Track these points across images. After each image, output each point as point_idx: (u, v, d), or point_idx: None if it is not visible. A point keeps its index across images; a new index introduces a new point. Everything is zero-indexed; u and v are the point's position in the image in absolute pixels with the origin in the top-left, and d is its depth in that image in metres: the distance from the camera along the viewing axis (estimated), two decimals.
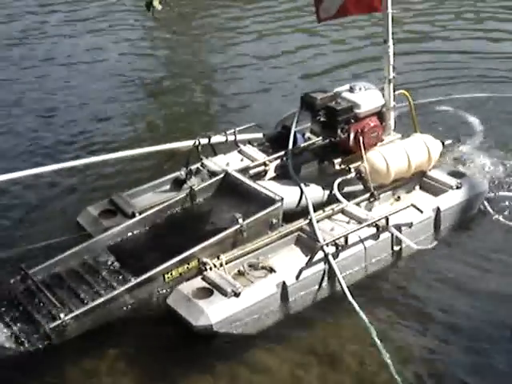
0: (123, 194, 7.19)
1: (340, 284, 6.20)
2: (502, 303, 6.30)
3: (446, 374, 5.68)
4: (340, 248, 6.41)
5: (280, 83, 10.81)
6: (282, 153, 7.34)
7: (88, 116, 10.20)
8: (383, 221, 6.61)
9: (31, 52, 12.82)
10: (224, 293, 5.91)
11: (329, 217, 6.80)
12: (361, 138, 6.96)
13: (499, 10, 13.15)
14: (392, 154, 7.05)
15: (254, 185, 6.83)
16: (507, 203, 7.41)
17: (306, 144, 7.39)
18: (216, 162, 7.42)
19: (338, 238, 6.39)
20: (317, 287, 6.35)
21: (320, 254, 6.28)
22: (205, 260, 6.17)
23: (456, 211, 7.17)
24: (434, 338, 6.01)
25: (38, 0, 15.52)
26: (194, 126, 9.66)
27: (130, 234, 6.64)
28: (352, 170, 7.05)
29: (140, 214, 6.79)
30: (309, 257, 6.25)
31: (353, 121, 6.98)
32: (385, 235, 6.66)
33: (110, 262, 6.35)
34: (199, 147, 7.50)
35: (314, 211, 6.68)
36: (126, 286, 5.95)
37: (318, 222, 6.58)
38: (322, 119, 7.04)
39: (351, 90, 7.13)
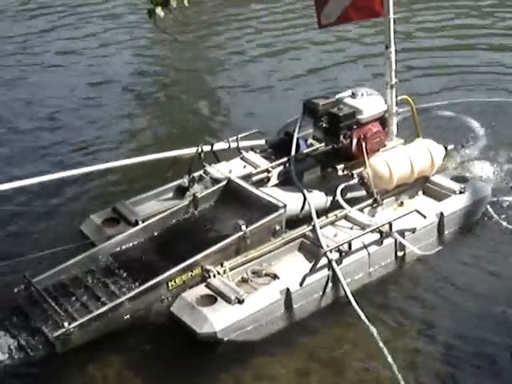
0: (126, 202, 7.19)
1: (344, 290, 6.20)
2: (508, 307, 6.29)
3: (450, 379, 5.66)
4: (344, 254, 6.41)
5: (282, 89, 10.80)
6: (285, 159, 7.36)
7: (89, 123, 10.19)
8: (386, 226, 6.60)
9: (29, 56, 12.83)
10: (228, 300, 5.90)
11: (332, 223, 6.79)
12: (363, 144, 6.95)
13: (502, 13, 13.13)
14: (395, 159, 7.05)
15: (256, 191, 6.83)
16: (510, 207, 7.40)
17: (308, 150, 7.41)
18: (219, 169, 7.43)
19: (342, 244, 6.38)
20: (321, 293, 6.35)
21: (324, 261, 6.27)
22: (208, 267, 6.17)
23: (459, 216, 7.16)
24: (439, 343, 5.99)
25: (35, 3, 15.53)
26: (196, 133, 9.64)
27: (133, 242, 6.65)
28: (355, 175, 7.06)
29: (143, 221, 6.79)
30: (312, 263, 6.25)
31: (355, 126, 6.97)
32: (388, 241, 6.66)
33: (113, 270, 6.35)
34: (202, 154, 7.51)
35: (317, 217, 6.67)
36: (130, 294, 5.95)
37: (321, 228, 6.58)
38: (324, 125, 7.03)
39: (353, 95, 7.13)
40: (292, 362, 5.86)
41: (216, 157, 7.71)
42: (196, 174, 7.36)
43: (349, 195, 7.10)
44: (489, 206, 7.36)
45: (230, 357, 5.88)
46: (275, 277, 6.27)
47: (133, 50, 12.97)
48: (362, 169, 7.04)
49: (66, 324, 5.67)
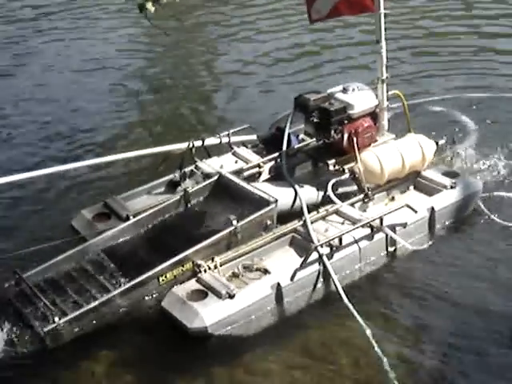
0: (117, 197, 7.20)
1: (335, 285, 6.21)
2: (499, 300, 6.31)
3: (441, 374, 5.67)
4: (334, 249, 6.42)
5: (273, 84, 10.80)
6: (276, 154, 7.36)
7: (80, 118, 10.18)
8: (377, 221, 6.62)
9: (23, 51, 12.80)
10: (218, 295, 5.91)
11: (323, 218, 6.80)
12: (354, 139, 6.95)
13: (492, 6, 13.14)
14: (386, 154, 7.06)
15: (248, 186, 6.83)
16: (501, 203, 7.42)
17: (300, 145, 7.41)
18: (210, 164, 7.41)
19: (333, 239, 6.39)
20: (311, 288, 6.36)
21: (314, 255, 6.28)
22: (199, 262, 6.17)
23: (450, 211, 7.18)
24: (431, 338, 6.00)
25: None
26: (187, 128, 9.65)
27: (124, 236, 6.64)
28: (346, 170, 7.06)
29: (134, 216, 6.79)
30: (303, 258, 6.25)
31: (346, 122, 6.97)
32: (379, 236, 6.67)
33: (104, 265, 6.35)
34: (193, 149, 7.50)
35: (309, 212, 6.68)
36: (121, 289, 5.95)
37: (312, 223, 6.59)
38: (315, 120, 7.03)
39: (344, 90, 7.12)
40: (283, 356, 5.87)
41: (207, 152, 7.71)
42: (187, 169, 7.36)
43: (340, 190, 7.11)
44: (480, 201, 7.37)
45: (221, 351, 5.89)
46: (266, 271, 6.27)
47: (124, 44, 12.95)
48: (353, 164, 7.05)
49: (56, 319, 5.67)
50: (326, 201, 6.95)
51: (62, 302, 5.96)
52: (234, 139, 7.86)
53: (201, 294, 5.97)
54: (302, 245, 6.47)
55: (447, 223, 7.18)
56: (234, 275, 6.26)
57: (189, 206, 6.91)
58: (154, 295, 6.09)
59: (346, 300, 6.07)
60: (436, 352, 5.86)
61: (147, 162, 8.20)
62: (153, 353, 5.92)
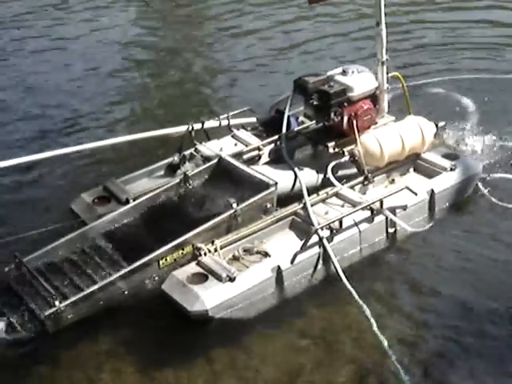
0: (117, 181, 7.19)
1: (335, 267, 6.20)
2: (499, 282, 6.32)
3: (440, 354, 5.68)
4: (334, 231, 6.41)
5: (273, 67, 10.76)
6: (276, 137, 7.34)
7: (80, 102, 10.12)
8: (377, 204, 6.61)
9: (20, 36, 12.72)
10: (219, 278, 5.91)
11: (323, 200, 6.79)
12: (354, 121, 6.93)
13: None
14: (386, 136, 7.04)
15: (247, 169, 6.82)
16: (501, 184, 7.41)
17: (299, 128, 7.41)
18: (210, 147, 7.40)
19: (333, 222, 6.39)
20: (312, 271, 6.36)
21: (315, 238, 6.28)
22: (199, 245, 6.17)
23: (450, 193, 7.17)
24: (431, 320, 6.02)
25: None
26: (187, 111, 9.61)
27: (124, 220, 6.63)
28: (346, 153, 7.04)
29: (134, 200, 6.79)
30: (303, 241, 6.25)
31: (346, 104, 6.94)
32: (379, 218, 6.66)
33: (104, 249, 6.35)
34: (192, 132, 7.47)
35: (309, 195, 6.68)
36: (121, 273, 5.95)
37: (312, 205, 6.58)
38: (315, 103, 6.99)
39: (344, 72, 7.09)
40: (283, 340, 5.88)
41: (207, 135, 7.68)
42: (187, 153, 7.33)
43: (340, 173, 7.10)
44: (479, 183, 7.37)
45: (222, 334, 5.90)
46: (266, 254, 6.28)
47: (120, 29, 12.84)
48: (352, 146, 7.03)
49: (57, 303, 5.67)
50: (326, 183, 6.94)
51: (62, 285, 5.96)
52: (233, 122, 7.84)
53: (201, 277, 5.96)
54: (302, 228, 6.47)
55: (447, 205, 7.18)
56: (235, 258, 6.27)
57: (188, 189, 6.90)
58: (155, 279, 6.09)
59: (346, 282, 6.07)
60: (436, 333, 5.88)
61: (146, 145, 8.17)
62: (153, 336, 5.93)
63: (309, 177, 6.97)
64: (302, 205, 6.62)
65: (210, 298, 5.80)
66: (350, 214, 6.49)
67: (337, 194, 6.84)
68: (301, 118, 7.51)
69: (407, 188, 6.80)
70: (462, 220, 7.22)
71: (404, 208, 6.76)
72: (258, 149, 7.34)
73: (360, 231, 6.57)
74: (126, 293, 6.00)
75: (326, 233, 6.34)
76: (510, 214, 7.04)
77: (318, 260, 6.35)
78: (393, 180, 7.23)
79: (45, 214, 7.38)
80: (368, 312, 5.81)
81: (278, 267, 6.14)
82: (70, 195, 7.34)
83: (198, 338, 5.87)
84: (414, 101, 7.95)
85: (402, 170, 7.35)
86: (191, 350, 5.78)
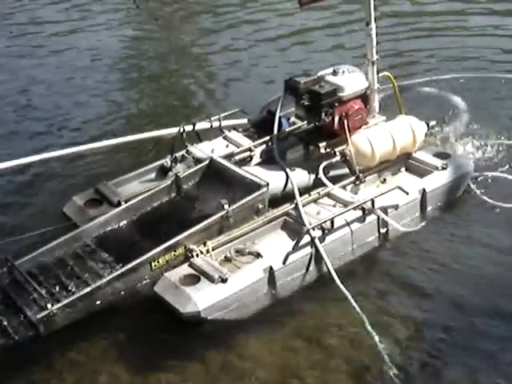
0: (108, 183, 7.18)
1: (327, 267, 6.20)
2: (491, 281, 6.32)
3: (433, 353, 5.68)
4: (326, 231, 6.41)
5: (264, 68, 10.78)
6: (268, 138, 7.34)
7: (71, 104, 10.14)
8: (369, 203, 6.61)
9: (14, 37, 12.74)
10: (211, 279, 5.90)
11: (315, 201, 6.80)
12: (345, 121, 6.94)
13: None
14: (377, 136, 7.05)
15: (239, 170, 6.81)
16: (493, 183, 7.43)
17: (291, 129, 7.40)
18: (201, 149, 7.41)
19: (324, 222, 6.39)
20: (304, 271, 6.36)
21: (306, 238, 6.27)
22: (191, 247, 6.16)
23: (442, 192, 7.18)
24: (423, 319, 6.01)
25: None
26: (178, 112, 9.62)
27: (116, 222, 6.62)
28: (337, 153, 7.06)
29: (126, 202, 6.77)
30: (295, 241, 6.25)
31: (337, 104, 6.95)
32: (371, 218, 6.66)
33: (96, 251, 6.33)
34: (184, 134, 7.48)
35: (300, 195, 6.68)
36: (113, 275, 5.93)
37: (303, 206, 6.58)
38: (306, 103, 7.00)
39: (335, 73, 7.10)
40: (276, 341, 5.87)
41: (198, 136, 7.70)
42: (178, 154, 7.33)
43: (331, 173, 7.10)
44: (471, 182, 7.38)
45: (214, 336, 5.89)
46: (258, 255, 6.28)
47: (113, 31, 12.87)
48: (344, 146, 7.04)
49: (49, 306, 5.64)
50: (318, 184, 6.94)
51: (54, 288, 5.94)
52: (224, 123, 7.84)
53: (193, 279, 5.96)
54: (294, 228, 6.47)
55: (439, 204, 7.18)
56: (227, 259, 6.26)
57: (180, 190, 6.90)
58: (147, 280, 6.08)
59: (338, 282, 6.07)
60: (430, 332, 5.88)
61: (138, 147, 8.17)
62: (146, 338, 5.92)
63: (300, 177, 6.98)
64: (293, 205, 6.62)
65: (202, 300, 5.79)
66: (341, 213, 6.49)
67: (328, 194, 6.84)
68: (292, 119, 7.51)
69: (399, 187, 6.80)
70: (453, 219, 7.21)
71: (396, 207, 6.77)
72: (250, 150, 7.34)
73: (352, 231, 6.56)
74: (118, 295, 5.98)
75: (317, 233, 6.34)
76: (502, 213, 7.05)
77: (310, 260, 6.34)
78: (384, 179, 7.24)
79: (36, 217, 7.37)
80: (360, 311, 5.81)
81: (271, 268, 6.13)
82: (61, 198, 7.35)
83: (192, 339, 5.86)
84: (405, 100, 7.96)
85: (394, 170, 7.36)
86: (185, 352, 5.77)
